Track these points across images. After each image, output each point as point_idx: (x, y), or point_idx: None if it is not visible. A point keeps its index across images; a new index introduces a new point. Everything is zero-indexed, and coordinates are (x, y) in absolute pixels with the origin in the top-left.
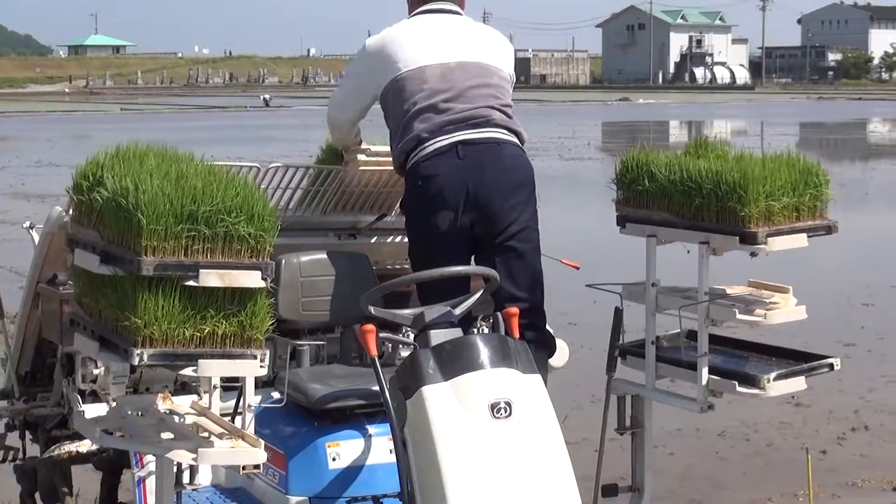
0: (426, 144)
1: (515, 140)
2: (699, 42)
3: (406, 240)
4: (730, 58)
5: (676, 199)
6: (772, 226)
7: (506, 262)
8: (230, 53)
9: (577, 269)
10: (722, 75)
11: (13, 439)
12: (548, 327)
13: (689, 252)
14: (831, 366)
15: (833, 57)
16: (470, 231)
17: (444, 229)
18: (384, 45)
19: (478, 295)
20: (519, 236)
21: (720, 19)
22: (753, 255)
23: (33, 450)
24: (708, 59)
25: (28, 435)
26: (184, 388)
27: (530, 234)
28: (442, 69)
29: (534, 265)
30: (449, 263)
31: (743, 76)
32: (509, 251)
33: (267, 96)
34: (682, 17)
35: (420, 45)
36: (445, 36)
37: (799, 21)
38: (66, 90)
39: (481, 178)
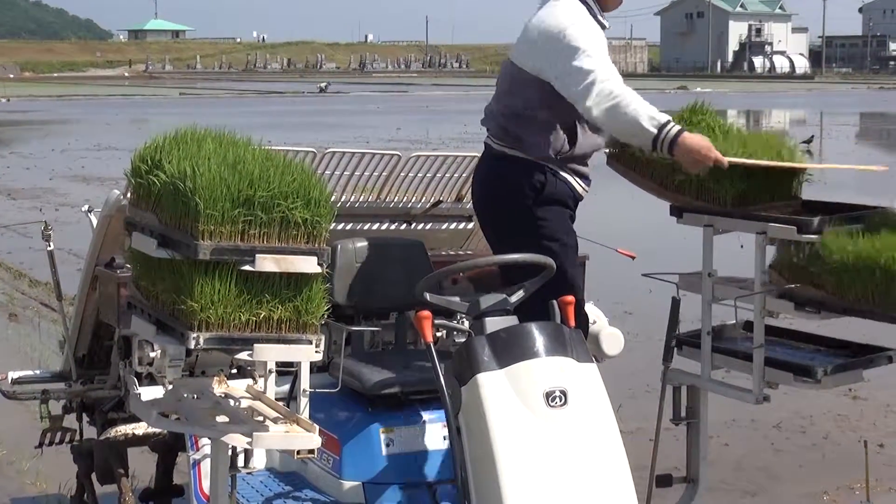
0: None
1: (504, 149)
2: (758, 31)
3: (460, 226)
4: (789, 47)
5: None
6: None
7: None
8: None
9: (633, 258)
10: (781, 64)
11: (70, 421)
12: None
13: (742, 246)
14: (890, 358)
15: (895, 47)
16: None
17: None
18: None
19: (534, 282)
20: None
21: (780, 8)
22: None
23: (90, 431)
24: (767, 48)
25: (85, 417)
26: (239, 372)
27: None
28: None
29: None
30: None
31: (802, 65)
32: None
33: (324, 84)
34: (741, 6)
35: None
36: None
37: (860, 10)
38: (126, 74)
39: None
